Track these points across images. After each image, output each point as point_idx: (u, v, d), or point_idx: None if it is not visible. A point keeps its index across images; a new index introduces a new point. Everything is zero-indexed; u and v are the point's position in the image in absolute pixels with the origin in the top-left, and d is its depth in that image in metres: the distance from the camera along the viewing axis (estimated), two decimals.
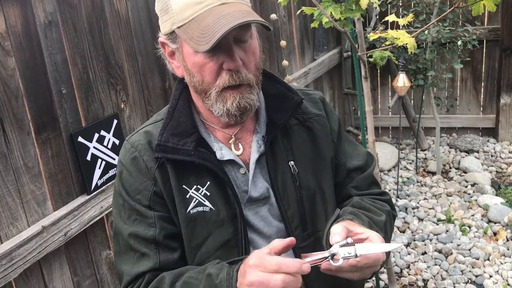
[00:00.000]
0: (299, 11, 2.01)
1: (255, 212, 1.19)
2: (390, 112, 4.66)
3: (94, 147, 1.92)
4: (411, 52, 1.73)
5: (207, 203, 1.15)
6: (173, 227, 1.17)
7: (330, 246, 1.06)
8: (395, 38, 1.84)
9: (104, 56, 1.98)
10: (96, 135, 1.93)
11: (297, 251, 1.19)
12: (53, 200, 1.79)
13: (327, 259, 1.00)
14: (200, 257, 1.16)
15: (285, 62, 2.89)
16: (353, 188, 1.30)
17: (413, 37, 1.83)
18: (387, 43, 1.93)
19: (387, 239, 1.23)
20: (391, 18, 1.86)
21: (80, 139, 1.86)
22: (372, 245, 0.99)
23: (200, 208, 1.15)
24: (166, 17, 1.09)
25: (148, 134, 1.20)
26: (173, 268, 1.15)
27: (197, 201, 1.15)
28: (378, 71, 4.62)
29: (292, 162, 1.21)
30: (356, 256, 0.97)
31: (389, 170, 4.13)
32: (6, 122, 1.60)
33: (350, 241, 0.99)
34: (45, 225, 1.71)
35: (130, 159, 1.18)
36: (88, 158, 1.90)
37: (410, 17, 1.84)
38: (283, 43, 2.87)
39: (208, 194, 1.15)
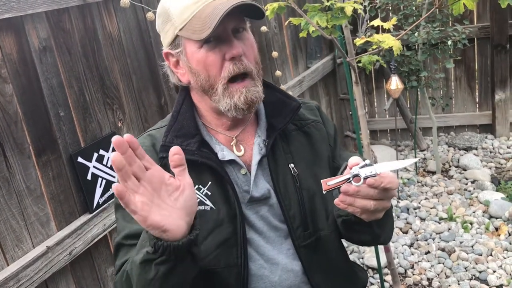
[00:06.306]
0: (287, 22, 2.06)
1: (255, 212, 1.24)
2: (387, 115, 4.70)
3: (94, 166, 1.97)
4: (397, 54, 1.79)
5: (208, 202, 1.19)
6: None
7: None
8: (381, 41, 1.90)
9: (99, 77, 2.03)
10: (96, 155, 1.98)
11: (299, 250, 1.24)
12: (56, 220, 1.83)
13: (349, 180, 1.03)
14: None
15: (278, 72, 2.94)
16: None
17: (398, 39, 1.89)
18: (374, 47, 1.98)
19: (391, 223, 1.27)
20: (376, 22, 1.90)
21: (80, 159, 1.90)
22: (390, 163, 1.04)
23: (201, 207, 1.19)
24: (168, 26, 1.16)
25: (152, 137, 1.26)
26: None
27: (198, 200, 1.19)
28: (373, 75, 4.67)
29: (292, 165, 1.26)
30: (375, 175, 1.01)
31: None
32: (7, 147, 1.65)
33: (368, 162, 1.03)
34: (50, 245, 1.74)
35: None
36: (89, 177, 1.94)
37: (393, 21, 1.89)
38: (274, 54, 2.92)
39: (209, 193, 1.20)
